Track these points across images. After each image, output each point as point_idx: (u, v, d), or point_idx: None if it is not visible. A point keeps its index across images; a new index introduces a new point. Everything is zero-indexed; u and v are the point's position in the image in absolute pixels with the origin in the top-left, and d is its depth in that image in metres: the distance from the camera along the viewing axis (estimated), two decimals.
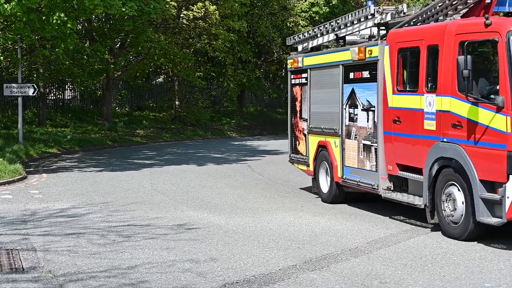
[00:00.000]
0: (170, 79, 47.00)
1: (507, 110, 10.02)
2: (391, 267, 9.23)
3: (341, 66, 14.40)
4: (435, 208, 11.49)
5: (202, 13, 39.85)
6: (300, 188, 17.64)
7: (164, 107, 47.06)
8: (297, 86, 16.82)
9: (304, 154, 16.37)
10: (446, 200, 11.25)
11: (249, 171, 22.12)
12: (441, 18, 12.27)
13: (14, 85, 27.51)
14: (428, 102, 11.63)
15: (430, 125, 11.58)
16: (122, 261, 9.61)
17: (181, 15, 41.22)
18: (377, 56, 13.06)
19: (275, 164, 24.05)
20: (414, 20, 12.79)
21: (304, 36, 17.14)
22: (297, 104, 16.80)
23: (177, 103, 44.93)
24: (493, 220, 10.25)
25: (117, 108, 44.72)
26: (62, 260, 9.70)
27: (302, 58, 16.43)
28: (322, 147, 15.36)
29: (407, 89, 12.43)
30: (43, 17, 23.22)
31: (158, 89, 50.10)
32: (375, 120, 13.09)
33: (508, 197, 9.97)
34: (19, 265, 9.37)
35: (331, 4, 49.51)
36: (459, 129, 10.91)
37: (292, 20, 47.51)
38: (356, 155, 13.90)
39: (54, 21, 22.84)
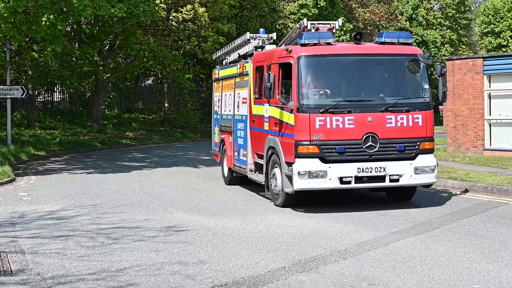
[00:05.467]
0: (159, 81, 47.02)
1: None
2: (380, 269, 9.25)
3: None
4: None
5: (191, 15, 39.85)
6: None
7: (153, 109, 47.05)
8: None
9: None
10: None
11: None
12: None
13: (2, 87, 27.43)
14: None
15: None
16: (111, 264, 9.59)
17: (171, 17, 41.19)
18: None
19: None
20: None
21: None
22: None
23: (166, 105, 44.91)
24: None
25: (106, 110, 44.68)
26: (51, 262, 9.67)
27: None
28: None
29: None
30: (31, 19, 23.16)
31: (147, 91, 50.06)
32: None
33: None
34: (7, 268, 9.33)
35: (319, 6, 49.60)
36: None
37: (281, 22, 47.56)
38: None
39: (43, 22, 22.79)
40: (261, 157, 15.96)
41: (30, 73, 34.38)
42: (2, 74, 32.99)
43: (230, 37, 43.00)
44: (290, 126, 14.01)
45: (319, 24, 16.50)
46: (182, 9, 40.23)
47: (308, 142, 13.72)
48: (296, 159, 13.75)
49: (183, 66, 43.02)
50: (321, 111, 13.71)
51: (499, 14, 69.29)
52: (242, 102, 17.33)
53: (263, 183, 15.56)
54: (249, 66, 16.78)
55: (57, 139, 32.17)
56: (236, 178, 18.57)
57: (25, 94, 28.63)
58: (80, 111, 43.34)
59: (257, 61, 16.42)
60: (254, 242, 11.10)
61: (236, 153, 17.84)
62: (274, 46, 17.11)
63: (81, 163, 26.00)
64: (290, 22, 48.01)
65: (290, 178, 13.79)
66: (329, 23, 16.73)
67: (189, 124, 44.35)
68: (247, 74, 16.93)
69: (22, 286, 8.47)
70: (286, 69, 14.45)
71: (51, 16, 22.96)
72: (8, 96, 27.45)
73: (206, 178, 20.67)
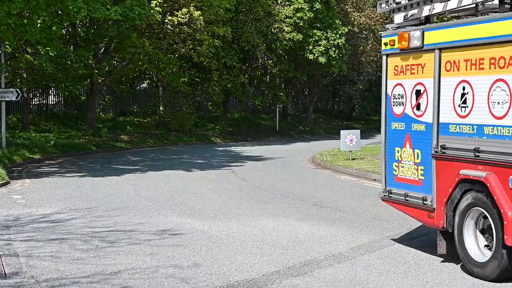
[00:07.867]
0: (154, 84, 46.99)
1: None
2: (375, 273, 9.25)
3: None
4: None
5: (187, 19, 39.84)
6: (283, 194, 17.65)
7: (148, 112, 47.00)
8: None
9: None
10: None
11: (233, 176, 22.10)
12: None
13: None
14: None
15: None
16: (105, 267, 9.58)
17: (166, 21, 41.19)
18: None
19: (259, 170, 24.06)
20: None
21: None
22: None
23: (161, 108, 44.88)
24: None
25: (101, 114, 44.60)
26: (45, 265, 9.66)
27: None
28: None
29: None
30: (25, 21, 23.14)
31: (143, 94, 50.03)
32: None
33: None
34: (1, 271, 9.31)
35: (315, 9, 49.66)
36: None
37: (276, 26, 47.59)
38: None
39: (39, 24, 22.77)
40: None
41: (25, 76, 34.33)
42: None
43: (226, 41, 43.09)
44: None
45: None
46: (177, 13, 40.21)
47: None
48: None
49: (178, 70, 42.99)
50: None
51: None
52: None
53: None
54: None
55: (52, 142, 32.09)
56: None
57: (20, 97, 28.57)
58: (75, 114, 43.27)
59: None
60: (249, 246, 11.10)
61: None
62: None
63: (76, 166, 25.96)
64: (286, 26, 48.07)
65: None
66: None
67: (184, 127, 44.29)
68: None
69: None
70: None
71: (46, 19, 22.94)
72: (3, 99, 27.41)
73: (200, 181, 20.64)
